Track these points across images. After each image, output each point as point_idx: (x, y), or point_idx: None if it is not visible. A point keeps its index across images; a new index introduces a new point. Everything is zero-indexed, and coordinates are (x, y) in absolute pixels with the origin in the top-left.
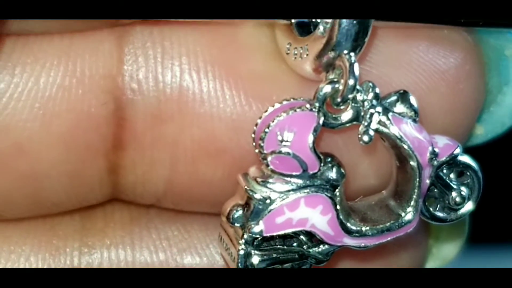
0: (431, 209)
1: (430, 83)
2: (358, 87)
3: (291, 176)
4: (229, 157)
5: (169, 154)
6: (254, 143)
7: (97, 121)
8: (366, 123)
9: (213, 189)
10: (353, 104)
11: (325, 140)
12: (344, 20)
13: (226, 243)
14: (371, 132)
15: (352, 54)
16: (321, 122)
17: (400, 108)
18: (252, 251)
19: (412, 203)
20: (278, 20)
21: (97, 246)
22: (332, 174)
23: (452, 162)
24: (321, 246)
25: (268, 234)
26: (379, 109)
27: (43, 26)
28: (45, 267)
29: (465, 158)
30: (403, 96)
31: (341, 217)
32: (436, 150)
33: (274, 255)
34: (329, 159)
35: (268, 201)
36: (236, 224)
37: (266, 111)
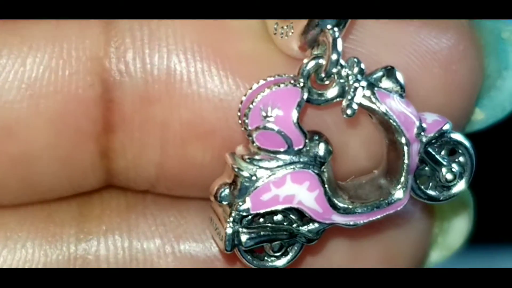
0: (423, 187)
1: (422, 63)
2: (343, 62)
3: (277, 152)
4: (219, 138)
5: (158, 137)
6: (240, 121)
7: (85, 103)
8: (349, 97)
9: (204, 172)
10: (338, 80)
11: (314, 120)
12: None
13: (215, 224)
14: (355, 106)
15: (335, 29)
16: (305, 97)
17: (386, 83)
18: (240, 229)
19: (402, 179)
20: None
21: (94, 232)
22: (319, 151)
23: (442, 139)
24: (311, 224)
25: (255, 212)
26: (363, 83)
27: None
28: (42, 253)
29: (457, 136)
30: (389, 72)
31: (329, 193)
32: (424, 125)
33: (262, 233)
34: (317, 137)
35: (254, 178)
36: (223, 203)
37: (251, 88)
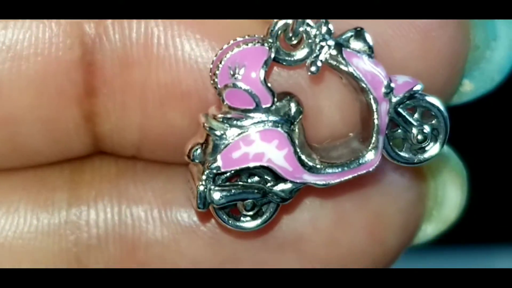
0: (396, 150)
1: (399, 28)
2: (312, 23)
3: (247, 111)
4: (195, 100)
5: (138, 99)
6: (211, 81)
7: (65, 65)
8: (314, 54)
9: (183, 135)
10: (307, 41)
11: (288, 82)
12: None
13: (190, 184)
14: (319, 63)
15: None
16: (272, 56)
17: (355, 44)
18: (212, 187)
19: (373, 140)
20: None
21: (84, 197)
22: (289, 110)
23: (414, 100)
24: (284, 184)
25: (226, 169)
26: (330, 42)
27: None
28: (34, 217)
29: (429, 98)
30: (358, 33)
31: (298, 152)
32: (393, 85)
33: (233, 191)
34: (288, 97)
35: (224, 136)
36: (196, 161)
37: (221, 49)
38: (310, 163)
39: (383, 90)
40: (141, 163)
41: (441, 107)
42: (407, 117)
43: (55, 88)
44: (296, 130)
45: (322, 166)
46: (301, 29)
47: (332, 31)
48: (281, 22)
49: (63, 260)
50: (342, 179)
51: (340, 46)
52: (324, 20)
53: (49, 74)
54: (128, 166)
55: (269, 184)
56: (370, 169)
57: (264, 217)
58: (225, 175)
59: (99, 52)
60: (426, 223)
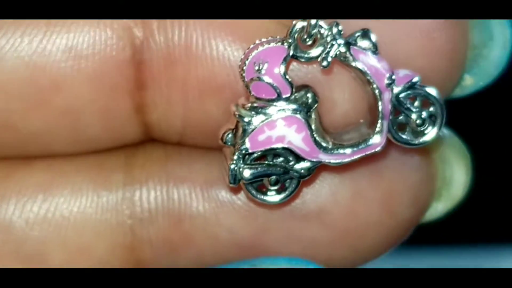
0: (399, 133)
1: (403, 30)
2: (325, 26)
3: (270, 100)
4: (228, 93)
5: (180, 92)
6: (240, 76)
7: (119, 64)
8: (326, 51)
9: (218, 123)
10: (321, 41)
11: (307, 76)
12: None
13: (224, 164)
14: (329, 59)
15: None
16: (290, 53)
17: (362, 43)
18: (242, 166)
19: (378, 124)
20: None
21: (137, 178)
22: (306, 99)
23: (414, 90)
24: (303, 162)
25: (253, 150)
26: (340, 41)
27: None
28: (95, 195)
29: (427, 88)
30: (365, 33)
31: (314, 135)
32: (394, 77)
33: (259, 168)
34: (306, 88)
35: (251, 122)
36: (228, 144)
37: (248, 48)
38: (324, 144)
39: (386, 81)
40: (186, 148)
41: (437, 96)
42: (408, 104)
43: (110, 83)
44: (313, 117)
45: (334, 147)
46: (315, 30)
47: (342, 32)
48: (300, 24)
49: (120, 231)
50: (352, 158)
51: (348, 44)
52: (335, 23)
53: (105, 71)
54: (174, 151)
55: (290, 163)
56: (377, 149)
57: (287, 192)
58: (252, 155)
59: (147, 52)
60: (436, 201)
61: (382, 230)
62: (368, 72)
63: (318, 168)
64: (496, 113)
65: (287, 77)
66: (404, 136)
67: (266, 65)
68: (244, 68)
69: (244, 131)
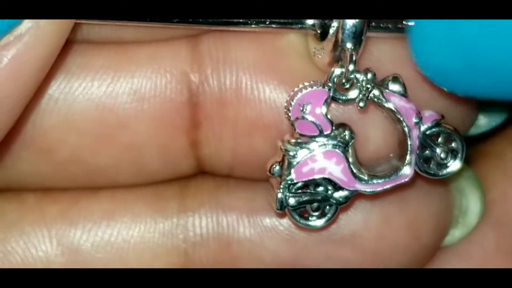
0: (426, 165)
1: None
2: (359, 72)
3: (313, 137)
4: (274, 130)
5: (231, 130)
6: (286, 115)
7: (177, 105)
8: (362, 94)
9: (265, 157)
10: (357, 85)
11: (344, 116)
12: (346, 24)
13: (271, 193)
14: (366, 100)
15: (352, 48)
16: (331, 95)
17: (392, 87)
18: (288, 194)
19: (407, 157)
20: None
21: (190, 206)
22: (344, 136)
23: (438, 128)
24: (341, 191)
25: (297, 180)
26: (374, 85)
27: (135, 36)
28: (153, 222)
29: (449, 126)
30: (395, 78)
31: (351, 167)
32: (421, 116)
33: (303, 196)
34: (343, 126)
35: (296, 155)
36: (275, 175)
37: (293, 91)
38: (360, 175)
39: (414, 120)
40: (234, 179)
41: (458, 133)
42: (433, 141)
43: (169, 122)
44: (350, 151)
45: (369, 177)
46: (352, 76)
47: (375, 77)
48: (338, 71)
49: (174, 253)
50: (384, 188)
51: (381, 88)
52: (369, 69)
53: (165, 112)
54: (223, 182)
55: (330, 192)
56: (406, 180)
57: (327, 217)
58: (297, 185)
59: (202, 94)
60: (453, 228)
61: (408, 252)
62: (399, 112)
63: (353, 196)
64: None
65: (328, 116)
66: (430, 170)
67: (309, 106)
68: (290, 108)
69: (290, 163)
